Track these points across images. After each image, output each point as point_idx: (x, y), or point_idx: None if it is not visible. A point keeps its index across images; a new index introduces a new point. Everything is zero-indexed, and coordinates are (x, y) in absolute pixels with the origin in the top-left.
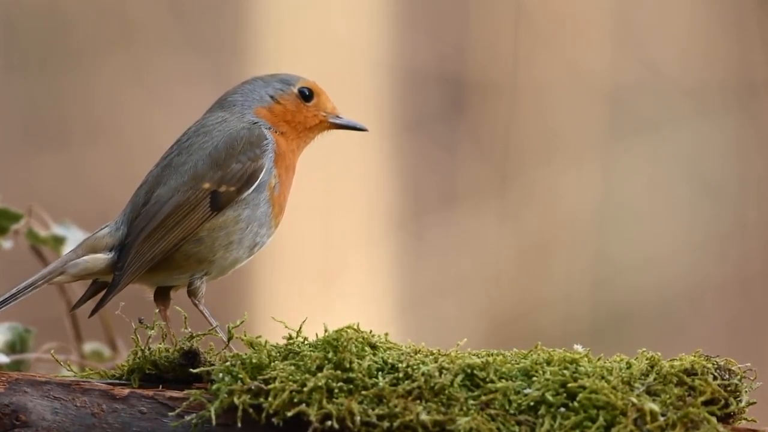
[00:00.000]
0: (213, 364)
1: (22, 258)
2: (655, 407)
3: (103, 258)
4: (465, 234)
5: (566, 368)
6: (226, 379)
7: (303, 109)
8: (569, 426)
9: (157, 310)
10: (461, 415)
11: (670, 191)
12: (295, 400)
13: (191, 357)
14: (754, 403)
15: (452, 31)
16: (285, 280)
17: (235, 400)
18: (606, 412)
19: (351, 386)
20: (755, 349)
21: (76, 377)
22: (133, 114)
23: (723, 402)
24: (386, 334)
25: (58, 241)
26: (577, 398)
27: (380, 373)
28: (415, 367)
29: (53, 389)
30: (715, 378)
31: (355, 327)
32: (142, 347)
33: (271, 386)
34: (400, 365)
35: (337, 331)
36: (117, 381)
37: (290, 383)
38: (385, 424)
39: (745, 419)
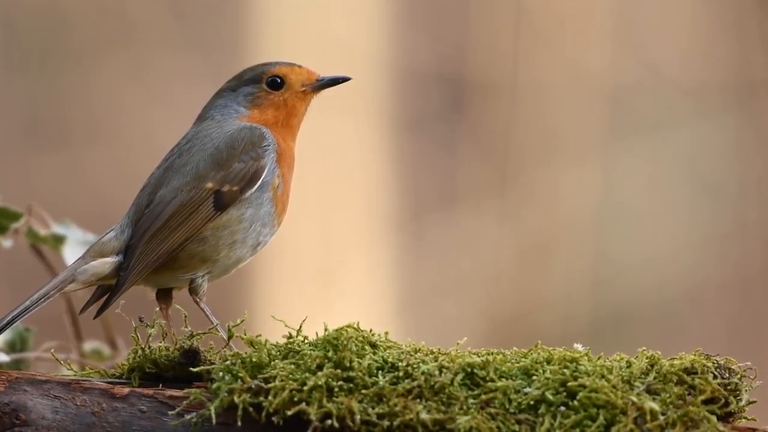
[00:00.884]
0: (213, 363)
1: (22, 257)
2: (655, 406)
3: (110, 262)
4: (465, 234)
5: (566, 367)
6: (227, 378)
7: (280, 99)
8: (569, 425)
9: (159, 309)
10: (461, 413)
11: (670, 191)
12: (295, 398)
13: (191, 356)
14: (754, 402)
15: (452, 31)
16: (285, 280)
17: (235, 399)
18: (606, 411)
19: (351, 385)
20: (755, 349)
21: (76, 376)
22: (133, 114)
23: (723, 401)
24: (386, 333)
25: (58, 240)
26: (577, 397)
27: (380, 372)
28: (415, 366)
29: (53, 388)
30: (715, 377)
31: (355, 326)
32: (143, 346)
33: (271, 385)
34: (400, 364)
35: (337, 330)
36: (117, 380)
37: (290, 382)
38: (385, 423)
39: (745, 418)
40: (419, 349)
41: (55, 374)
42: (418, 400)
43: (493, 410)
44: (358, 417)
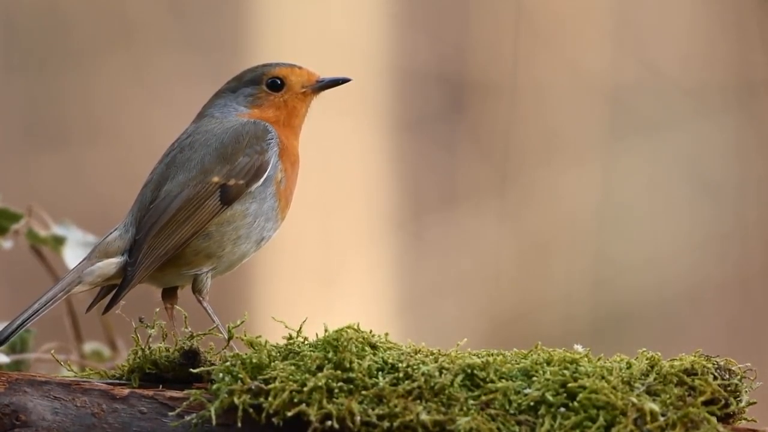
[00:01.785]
0: (213, 364)
1: (22, 258)
2: (655, 407)
3: (116, 262)
4: (465, 234)
5: (566, 368)
6: (226, 378)
7: (280, 100)
8: (569, 426)
9: (164, 308)
10: (461, 415)
11: (670, 191)
12: (295, 400)
13: (191, 356)
14: (754, 403)
15: (452, 31)
16: (285, 280)
17: (235, 400)
18: (606, 412)
19: (351, 386)
20: (755, 349)
21: (76, 377)
22: (133, 114)
23: (723, 402)
24: (386, 334)
25: (58, 241)
26: (577, 398)
27: (380, 373)
28: (415, 367)
29: (53, 389)
30: (715, 378)
31: (355, 327)
32: (143, 347)
33: (271, 386)
34: (400, 365)
35: (337, 331)
36: (117, 381)
37: (290, 383)
38: (385, 424)
39: (745, 419)
40: (419, 350)
41: (55, 375)
42: (418, 401)
43: (493, 411)
44: (358, 418)
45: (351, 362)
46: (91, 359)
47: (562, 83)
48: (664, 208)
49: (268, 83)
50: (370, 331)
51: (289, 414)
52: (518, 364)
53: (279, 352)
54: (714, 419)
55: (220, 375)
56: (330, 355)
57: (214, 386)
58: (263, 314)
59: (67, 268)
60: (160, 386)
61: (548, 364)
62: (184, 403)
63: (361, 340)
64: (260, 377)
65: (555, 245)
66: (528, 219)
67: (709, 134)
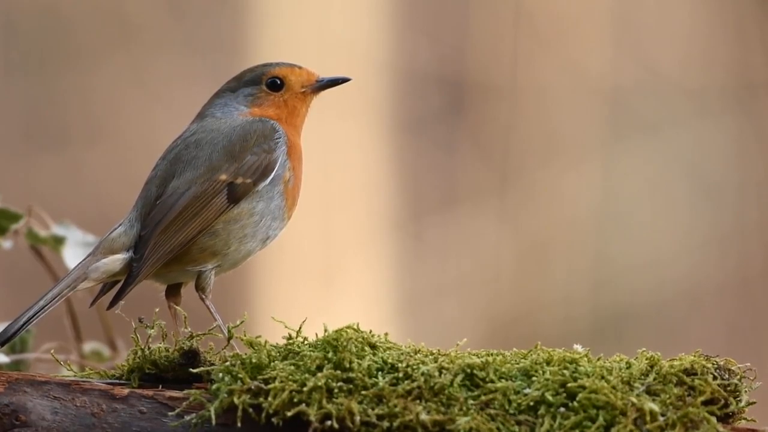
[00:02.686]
0: (213, 364)
1: (22, 258)
2: (655, 407)
3: (122, 258)
4: (465, 234)
5: (566, 368)
6: (226, 379)
7: (280, 99)
8: (569, 426)
9: (166, 307)
10: (461, 414)
11: (670, 192)
12: (295, 400)
13: (191, 357)
14: (754, 403)
15: (452, 31)
16: (285, 281)
17: (235, 400)
18: (606, 412)
19: (351, 386)
20: (755, 349)
21: (76, 377)
22: (133, 114)
23: (723, 402)
24: (386, 334)
25: (58, 241)
26: (577, 398)
27: (380, 373)
28: (414, 367)
29: (53, 389)
30: (714, 378)
31: (355, 327)
32: (142, 347)
33: (270, 386)
34: (399, 365)
35: (336, 331)
36: (117, 381)
37: (290, 383)
38: (385, 423)
39: (745, 419)
40: (419, 350)
41: (55, 375)
42: (418, 401)
43: (492, 411)
44: (357, 418)
45: (351, 362)
46: (91, 359)
47: (562, 84)
48: (664, 209)
49: (267, 83)
50: (370, 331)
51: (289, 414)
52: (518, 364)
53: (279, 352)
54: (713, 419)
55: (220, 375)
56: (330, 355)
57: (214, 386)
58: (263, 314)
59: (67, 268)
60: (160, 386)
61: (548, 364)
62: (184, 403)
63: (360, 340)
64: (260, 377)
65: (555, 246)
66: (528, 219)
67: (709, 135)
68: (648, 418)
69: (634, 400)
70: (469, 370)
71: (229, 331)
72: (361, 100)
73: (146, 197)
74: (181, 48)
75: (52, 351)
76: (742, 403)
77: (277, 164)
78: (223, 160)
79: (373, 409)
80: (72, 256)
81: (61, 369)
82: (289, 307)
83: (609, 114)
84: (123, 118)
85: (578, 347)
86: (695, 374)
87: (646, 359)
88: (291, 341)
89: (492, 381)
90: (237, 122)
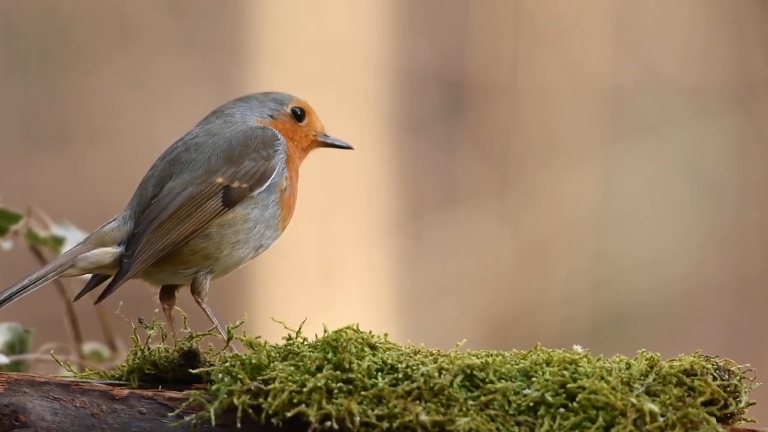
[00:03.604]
0: (213, 365)
1: (22, 259)
2: (655, 408)
3: (111, 252)
4: (465, 235)
5: (566, 369)
6: (226, 379)
7: (297, 129)
8: (568, 426)
9: (162, 309)
10: (461, 415)
11: (669, 192)
12: (295, 400)
13: (191, 357)
14: (754, 403)
15: (452, 31)
16: (284, 281)
17: (235, 400)
18: (605, 413)
19: (350, 387)
20: (754, 350)
21: (76, 378)
22: (133, 115)
23: (722, 402)
24: (386, 335)
25: (58, 241)
26: (577, 399)
27: (380, 373)
28: (414, 367)
29: (53, 390)
30: (714, 378)
31: (355, 328)
32: (142, 347)
33: (270, 387)
34: (399, 366)
35: (336, 332)
36: (116, 381)
37: (290, 384)
38: (385, 424)
39: (745, 420)
40: (419, 351)
41: (55, 376)
42: (418, 402)
43: (492, 412)
44: (357, 418)
45: (350, 363)
46: (91, 360)
47: (562, 84)
48: (664, 209)
49: (292, 108)
50: (370, 332)
51: (289, 414)
52: (518, 364)
53: (278, 352)
54: (713, 420)
55: (220, 376)
56: (329, 355)
57: (214, 387)
58: (263, 315)
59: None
60: (160, 387)
61: (548, 364)
62: (184, 404)
63: (360, 340)
64: (260, 378)
65: (555, 246)
66: (528, 219)
67: (708, 135)
68: (648, 418)
69: (634, 400)
70: (468, 371)
71: (228, 332)
72: (361, 100)
73: (142, 196)
74: (181, 48)
75: (52, 351)
76: (742, 404)
77: (275, 171)
78: (221, 163)
79: (372, 409)
80: None
81: (61, 369)
82: (289, 308)
83: (609, 114)
84: (123, 118)
85: (578, 348)
86: (695, 375)
87: (646, 360)
88: (291, 342)
89: (492, 382)
90: (241, 127)
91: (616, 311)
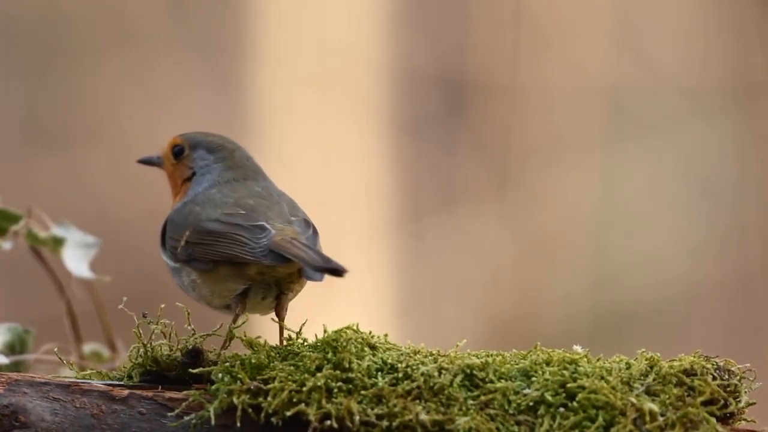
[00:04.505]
0: (215, 364)
1: (22, 259)
2: (655, 407)
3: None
4: (465, 235)
5: (565, 368)
6: (226, 379)
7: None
8: (568, 426)
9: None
10: (460, 415)
11: (669, 192)
12: (294, 399)
13: (194, 355)
14: (754, 403)
15: (452, 31)
16: None
17: (235, 400)
18: (605, 412)
19: (350, 386)
20: (754, 350)
21: (76, 378)
22: (134, 116)
23: (722, 402)
24: (386, 335)
25: (58, 242)
26: (577, 398)
27: (379, 373)
28: (414, 367)
29: (52, 390)
30: (714, 378)
31: (355, 328)
32: (145, 342)
33: (270, 386)
34: (399, 365)
35: (336, 332)
36: (116, 382)
37: (289, 383)
38: (385, 423)
39: (745, 419)
40: (418, 351)
41: (55, 376)
42: (418, 401)
43: (492, 411)
44: (357, 418)
45: (350, 362)
46: (91, 360)
47: (562, 84)
48: (663, 209)
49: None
50: (370, 332)
51: (288, 414)
52: (517, 364)
53: (278, 352)
54: (713, 420)
55: (220, 375)
56: (329, 355)
57: (213, 386)
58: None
59: (66, 269)
60: (160, 387)
61: (547, 364)
62: (184, 404)
63: (360, 340)
64: (259, 377)
65: (555, 246)
66: (528, 220)
67: (708, 135)
68: (647, 418)
69: (634, 400)
70: (468, 371)
71: (230, 332)
72: (360, 100)
73: (280, 211)
74: (181, 49)
75: (55, 350)
76: (742, 404)
77: None
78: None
79: (372, 408)
80: (71, 257)
81: (60, 370)
82: (289, 308)
83: (609, 114)
84: (123, 119)
85: (578, 347)
86: (695, 374)
87: (646, 359)
88: (291, 342)
89: (491, 381)
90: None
91: (616, 311)
